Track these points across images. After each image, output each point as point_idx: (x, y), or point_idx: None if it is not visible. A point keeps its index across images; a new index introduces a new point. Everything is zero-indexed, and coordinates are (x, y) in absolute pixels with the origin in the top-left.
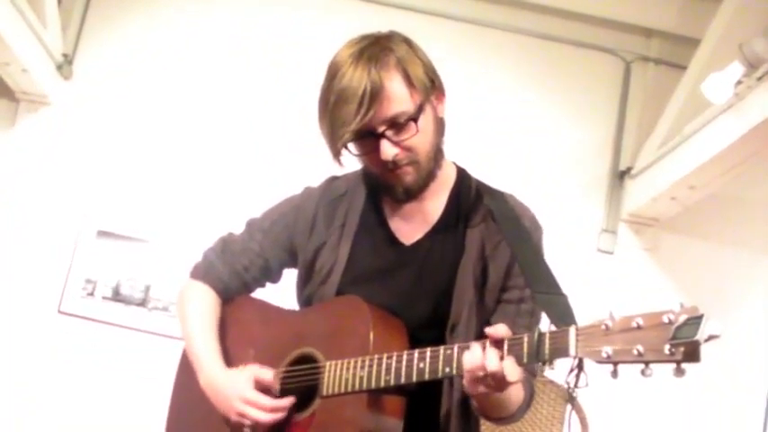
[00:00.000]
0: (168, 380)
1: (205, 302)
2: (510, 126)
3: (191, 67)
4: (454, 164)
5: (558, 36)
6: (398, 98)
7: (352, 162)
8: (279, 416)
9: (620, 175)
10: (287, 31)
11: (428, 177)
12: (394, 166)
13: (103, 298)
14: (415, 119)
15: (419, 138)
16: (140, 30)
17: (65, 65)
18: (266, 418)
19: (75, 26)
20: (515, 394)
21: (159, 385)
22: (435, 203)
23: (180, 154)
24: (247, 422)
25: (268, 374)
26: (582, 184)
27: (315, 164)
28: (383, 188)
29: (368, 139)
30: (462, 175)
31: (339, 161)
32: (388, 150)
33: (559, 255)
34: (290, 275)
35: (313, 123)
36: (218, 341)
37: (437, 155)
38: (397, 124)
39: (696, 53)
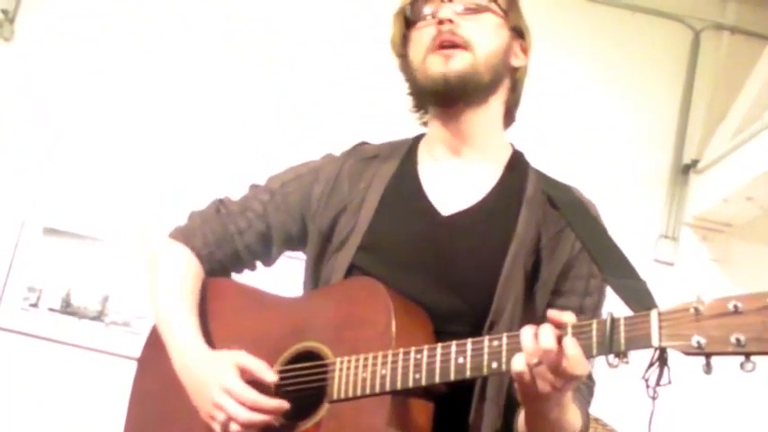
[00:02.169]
0: None
1: (183, 267)
2: (550, 107)
3: (154, 31)
4: (511, 144)
5: None
6: None
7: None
8: (258, 418)
9: (685, 170)
10: (278, 24)
11: (475, 81)
12: (444, 39)
13: (50, 310)
14: (486, 9)
15: (483, 28)
16: None
17: (5, 23)
18: (244, 416)
19: None
20: (571, 419)
21: (118, 415)
22: (485, 173)
23: (142, 137)
24: (220, 417)
25: (260, 366)
26: (637, 180)
27: (293, 155)
28: (420, 88)
29: (434, 4)
30: (518, 155)
31: (406, 12)
32: (446, 10)
33: None
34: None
35: (301, 117)
36: (198, 314)
37: (495, 77)
38: (468, 1)
39: None
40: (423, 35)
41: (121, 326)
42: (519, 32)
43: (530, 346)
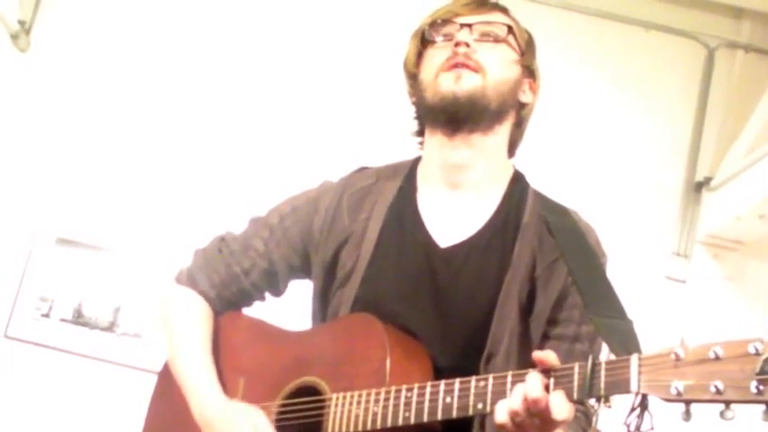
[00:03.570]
0: (140, 419)
1: (195, 312)
2: (564, 124)
3: (170, 43)
4: (513, 165)
5: (624, 15)
6: (503, 21)
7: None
8: None
9: (697, 187)
10: (276, 22)
11: (482, 105)
12: (459, 59)
13: (62, 320)
14: (504, 37)
15: (497, 57)
16: None
17: (21, 34)
18: None
19: None
20: None
21: (127, 426)
22: (483, 202)
23: (155, 148)
24: None
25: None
26: (649, 198)
27: (303, 164)
28: (426, 106)
29: (453, 33)
30: (518, 179)
31: (424, 32)
32: (464, 33)
33: (620, 283)
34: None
35: (302, 124)
36: (212, 358)
37: (503, 105)
38: (487, 30)
39: None
40: (437, 54)
41: (133, 337)
42: (531, 72)
43: (516, 396)
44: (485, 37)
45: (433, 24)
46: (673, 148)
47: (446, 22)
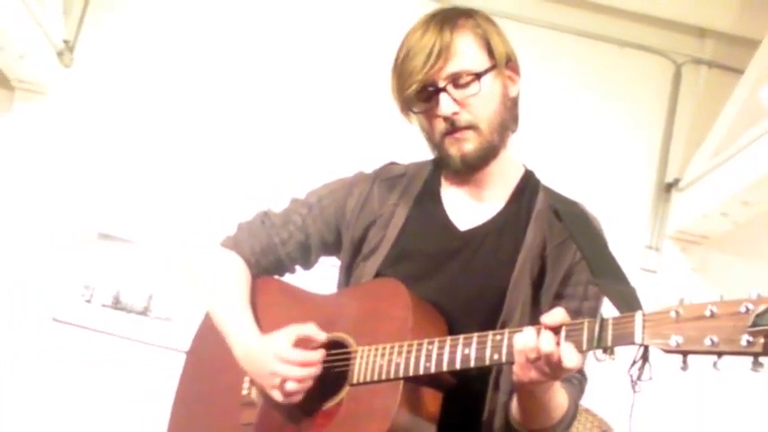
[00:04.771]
0: (170, 394)
1: (236, 270)
2: (546, 132)
3: (201, 58)
4: (523, 165)
5: (601, 34)
6: (466, 55)
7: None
8: (308, 372)
9: (667, 188)
10: (295, 24)
11: (489, 150)
12: (452, 128)
13: (102, 305)
14: (478, 77)
15: (481, 100)
16: (149, 14)
17: (65, 51)
18: (295, 373)
19: (78, 9)
20: (559, 400)
21: (160, 400)
22: (498, 194)
23: (189, 151)
24: (276, 381)
25: (311, 328)
26: (624, 197)
27: (329, 165)
28: (442, 159)
29: (431, 95)
30: (529, 175)
31: (408, 118)
32: (445, 105)
33: None
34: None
35: (320, 124)
36: (252, 310)
37: (502, 130)
38: (460, 81)
39: (755, 56)
40: (431, 120)
41: (164, 320)
42: (509, 63)
43: (530, 345)
44: (462, 86)
45: (413, 98)
46: (645, 153)
47: (423, 88)
